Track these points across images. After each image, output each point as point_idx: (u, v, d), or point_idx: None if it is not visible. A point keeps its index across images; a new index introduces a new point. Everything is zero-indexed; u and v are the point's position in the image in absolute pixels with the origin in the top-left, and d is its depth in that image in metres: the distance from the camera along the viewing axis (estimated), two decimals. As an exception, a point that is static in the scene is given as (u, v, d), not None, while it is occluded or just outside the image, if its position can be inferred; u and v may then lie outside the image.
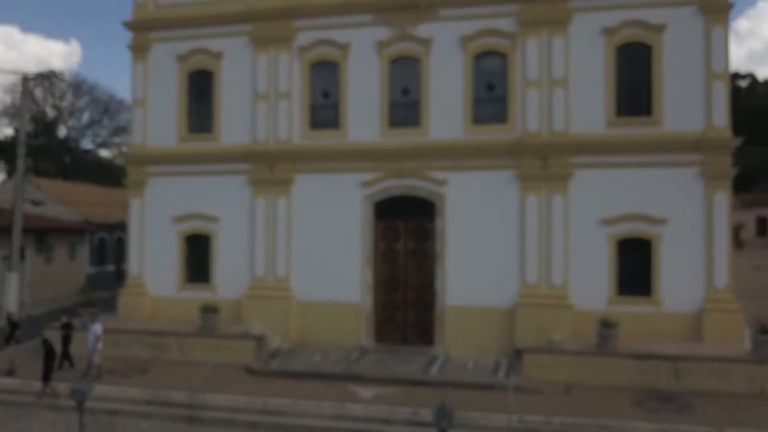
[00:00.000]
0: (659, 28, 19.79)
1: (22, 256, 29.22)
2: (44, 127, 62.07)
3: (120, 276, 39.03)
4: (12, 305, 27.34)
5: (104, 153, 67.90)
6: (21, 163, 28.63)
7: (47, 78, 52.60)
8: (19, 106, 30.40)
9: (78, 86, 61.81)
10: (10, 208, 32.07)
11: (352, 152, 21.65)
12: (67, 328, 19.77)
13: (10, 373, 18.73)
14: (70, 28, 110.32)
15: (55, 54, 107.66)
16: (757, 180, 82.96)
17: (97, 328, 18.63)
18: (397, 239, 21.59)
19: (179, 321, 22.18)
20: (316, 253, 21.89)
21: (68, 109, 61.35)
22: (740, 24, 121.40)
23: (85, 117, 62.64)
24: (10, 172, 60.08)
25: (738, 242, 64.94)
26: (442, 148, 21.03)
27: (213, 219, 22.82)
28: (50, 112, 61.93)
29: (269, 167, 22.25)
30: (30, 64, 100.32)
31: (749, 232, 66.78)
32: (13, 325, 19.39)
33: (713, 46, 19.44)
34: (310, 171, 22.07)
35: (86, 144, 65.26)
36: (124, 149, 67.35)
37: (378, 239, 21.66)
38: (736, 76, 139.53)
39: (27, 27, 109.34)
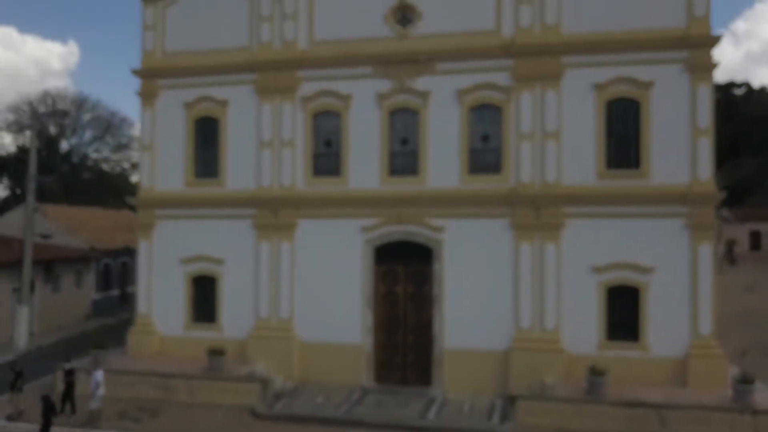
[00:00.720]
0: (647, 85, 20.76)
1: (32, 289, 30.11)
2: (47, 142, 62.91)
3: (124, 300, 39.97)
4: (22, 339, 28.29)
5: (106, 167, 68.72)
6: (30, 198, 29.55)
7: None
8: (29, 144, 31.11)
9: (80, 103, 62.67)
10: (18, 237, 32.97)
11: (353, 199, 22.59)
12: (70, 374, 20.65)
13: (15, 418, 19.62)
14: (68, 29, 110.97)
15: (53, 55, 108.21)
16: (751, 191, 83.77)
17: (99, 375, 19.47)
18: (397, 283, 22.54)
19: (187, 359, 23.09)
20: (319, 295, 22.83)
21: (71, 126, 62.20)
22: (738, 26, 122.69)
23: (88, 134, 63.51)
24: (14, 189, 60.99)
25: (731, 258, 66.03)
26: (439, 196, 21.98)
27: (219, 261, 23.74)
28: (53, 128, 62.76)
29: (273, 212, 23.17)
30: (28, 64, 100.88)
31: (743, 246, 67.88)
32: (17, 374, 20.23)
33: (698, 103, 20.42)
34: (312, 216, 23.00)
35: (89, 160, 66.11)
36: (125, 164, 68.30)
37: (378, 282, 22.60)
38: (731, 85, 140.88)
39: (25, 28, 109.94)
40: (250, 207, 23.41)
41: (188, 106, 24.22)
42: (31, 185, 29.73)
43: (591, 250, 20.93)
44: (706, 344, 20.08)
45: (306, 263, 23.03)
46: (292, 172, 23.21)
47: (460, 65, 22.01)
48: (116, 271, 39.65)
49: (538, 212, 21.23)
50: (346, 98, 22.86)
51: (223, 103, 23.88)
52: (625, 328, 20.71)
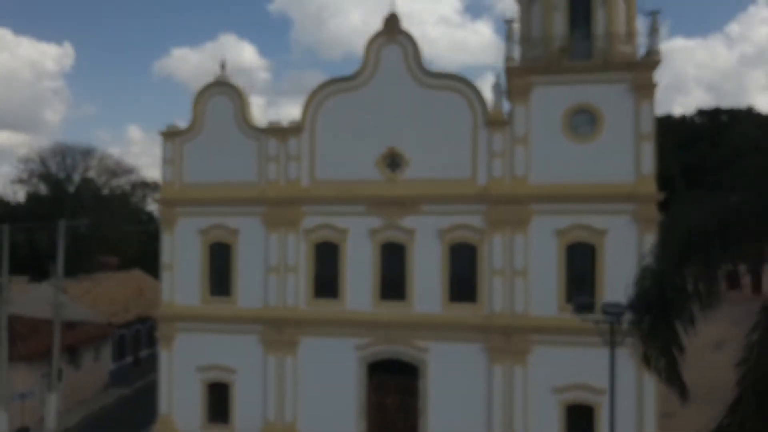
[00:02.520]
0: (601, 232, 24.43)
1: (60, 377, 33.58)
2: (54, 185, 66.25)
3: (137, 364, 43.46)
4: (51, 422, 31.84)
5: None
6: (58, 297, 32.97)
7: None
8: (58, 242, 34.39)
9: (88, 152, 66.02)
10: (42, 318, 36.24)
11: (348, 320, 26.21)
12: None
13: None
14: (64, 31, 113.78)
15: (47, 56, 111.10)
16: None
17: None
18: (387, 395, 26.19)
19: (203, 457, 26.68)
20: (318, 403, 26.44)
21: (79, 174, 65.55)
22: (732, 29, 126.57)
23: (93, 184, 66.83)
24: (21, 242, 64.11)
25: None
26: (423, 321, 25.62)
27: (231, 371, 27.33)
28: (60, 174, 66.07)
29: (278, 330, 26.78)
30: (23, 66, 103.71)
31: (719, 286, 71.57)
32: None
33: (645, 250, 24.01)
34: (313, 334, 26.62)
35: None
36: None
37: (370, 394, 26.25)
38: (717, 111, 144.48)
39: (20, 29, 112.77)
40: (258, 324, 26.99)
41: (203, 232, 27.76)
42: (59, 280, 33.17)
43: (553, 372, 24.59)
44: (649, 458, 23.79)
45: (307, 375, 26.65)
46: (296, 294, 26.80)
47: (441, 208, 25.64)
48: (129, 339, 43.13)
49: (508, 339, 24.89)
50: (343, 232, 26.46)
51: (235, 232, 27.44)
52: (582, 441, 24.39)
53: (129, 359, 43.01)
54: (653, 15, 24.58)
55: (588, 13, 25.04)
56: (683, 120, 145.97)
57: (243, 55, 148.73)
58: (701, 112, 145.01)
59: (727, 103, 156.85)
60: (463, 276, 25.66)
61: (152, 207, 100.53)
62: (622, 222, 24.33)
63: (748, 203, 10.06)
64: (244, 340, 27.22)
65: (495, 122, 25.17)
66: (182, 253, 28.04)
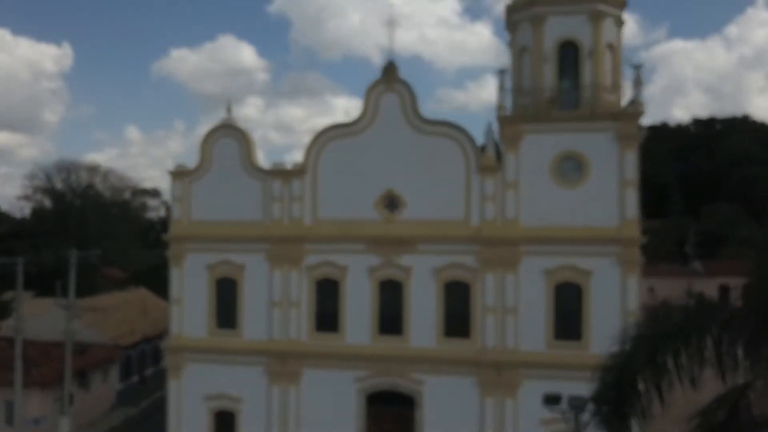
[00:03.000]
0: (587, 273, 25.98)
1: (71, 401, 35.07)
2: (58, 200, 67.83)
3: (143, 383, 44.95)
4: (64, 446, 33.28)
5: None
6: (71, 325, 34.43)
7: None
8: (68, 281, 35.68)
9: (93, 169, 67.62)
10: (53, 341, 37.66)
11: (348, 354, 27.73)
12: None
13: None
14: (62, 32, 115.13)
15: (46, 57, 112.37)
16: (724, 241, 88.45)
17: None
18: (384, 424, 27.72)
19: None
20: (320, 431, 27.93)
21: (85, 192, 67.13)
22: (730, 31, 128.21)
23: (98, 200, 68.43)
24: (27, 257, 65.52)
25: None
26: (419, 355, 27.16)
27: (237, 400, 28.85)
28: (67, 193, 67.68)
29: (282, 362, 28.31)
30: (21, 67, 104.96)
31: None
32: None
33: (628, 292, 25.64)
34: (315, 366, 28.15)
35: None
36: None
37: (370, 423, 27.80)
38: (713, 120, 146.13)
39: (18, 30, 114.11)
40: (263, 356, 28.50)
41: (210, 267, 29.27)
42: (72, 308, 34.61)
43: (541, 405, 26.06)
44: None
45: (310, 405, 28.17)
46: (298, 328, 28.34)
47: (437, 248, 27.18)
48: (135, 359, 44.61)
49: (499, 373, 26.42)
50: (343, 269, 27.99)
51: (241, 267, 28.96)
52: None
53: (135, 379, 44.50)
54: (636, 68, 26.13)
55: (576, 65, 26.59)
56: (679, 128, 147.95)
57: (242, 55, 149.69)
58: (697, 121, 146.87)
59: (725, 105, 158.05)
60: (457, 312, 27.19)
61: (152, 214, 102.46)
62: (606, 263, 25.87)
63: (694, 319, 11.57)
64: (249, 370, 28.72)
65: (487, 168, 26.72)
66: (190, 287, 29.53)
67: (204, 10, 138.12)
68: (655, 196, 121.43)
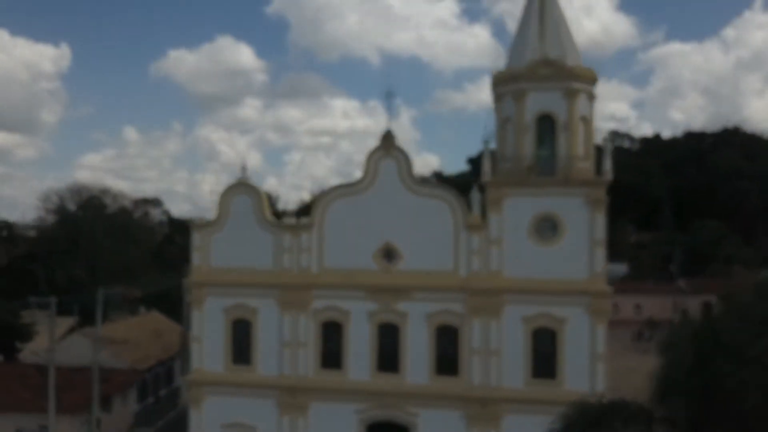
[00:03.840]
0: (561, 320, 29.82)
1: (99, 426, 38.86)
2: (71, 224, 71.58)
3: (158, 403, 48.71)
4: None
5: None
6: (96, 356, 38.18)
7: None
8: (96, 326, 39.37)
9: (104, 191, 71.40)
10: (78, 366, 41.32)
11: (350, 389, 31.54)
12: None
13: None
14: (61, 32, 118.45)
15: (44, 58, 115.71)
16: (710, 258, 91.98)
17: None
18: (383, 451, 31.53)
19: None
20: (325, 457, 31.79)
21: (97, 214, 70.93)
22: (727, 33, 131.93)
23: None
24: (41, 276, 69.20)
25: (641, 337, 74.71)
26: (413, 390, 31.01)
27: (251, 428, 32.65)
28: (79, 216, 71.46)
29: (291, 395, 32.12)
30: (19, 67, 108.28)
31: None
32: None
33: (597, 337, 29.45)
34: (321, 400, 31.96)
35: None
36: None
37: (369, 450, 31.58)
38: (703, 135, 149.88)
39: (16, 30, 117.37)
40: (274, 389, 32.29)
41: (227, 310, 33.05)
42: (99, 348, 38.37)
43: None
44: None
45: (316, 433, 31.98)
46: (306, 365, 32.15)
47: (429, 295, 31.00)
48: (150, 381, 48.34)
49: (484, 407, 30.25)
50: (346, 313, 31.80)
51: (254, 310, 32.75)
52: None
53: (150, 400, 48.25)
54: (605, 141, 29.96)
55: (552, 136, 30.41)
56: (672, 141, 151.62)
57: (240, 56, 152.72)
58: (689, 135, 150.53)
59: (723, 107, 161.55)
60: (447, 353, 31.01)
61: (153, 223, 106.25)
62: (578, 312, 29.70)
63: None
64: (262, 402, 32.50)
65: (473, 226, 30.54)
66: (209, 327, 33.30)
67: (202, 11, 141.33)
68: (647, 210, 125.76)
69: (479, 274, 30.57)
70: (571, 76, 30.33)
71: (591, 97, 31.27)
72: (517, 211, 30.26)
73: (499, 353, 30.33)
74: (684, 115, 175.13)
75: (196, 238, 33.66)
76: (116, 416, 42.96)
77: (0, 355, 48.54)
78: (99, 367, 41.81)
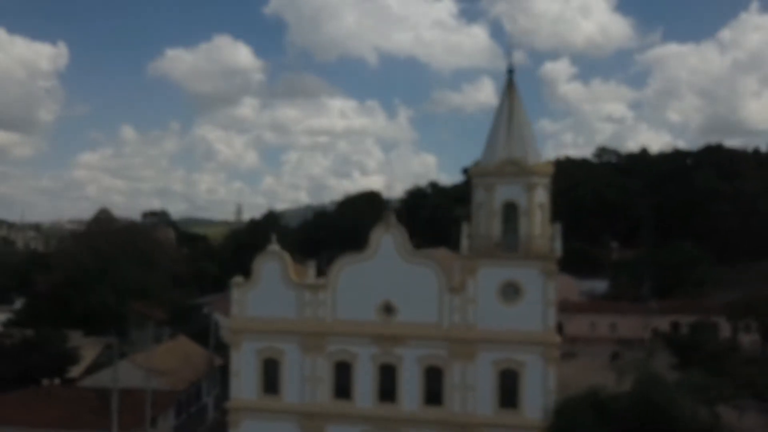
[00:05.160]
0: (522, 363, 39.16)
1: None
2: (99, 254, 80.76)
3: (189, 419, 58.04)
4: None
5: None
6: (150, 384, 47.41)
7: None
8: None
9: (132, 226, 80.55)
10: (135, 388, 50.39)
11: (358, 415, 40.86)
12: None
13: None
14: (58, 31, 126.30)
15: (42, 56, 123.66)
16: (683, 279, 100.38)
17: None
18: (383, 464, 40.86)
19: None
20: (338, 469, 41.09)
21: (124, 245, 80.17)
22: (724, 35, 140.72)
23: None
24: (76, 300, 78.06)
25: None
26: (408, 417, 40.35)
27: (279, 445, 41.93)
28: (106, 245, 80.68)
29: (310, 420, 41.45)
30: (16, 66, 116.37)
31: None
32: None
33: (549, 376, 38.73)
34: (334, 423, 41.29)
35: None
36: None
37: (372, 463, 40.92)
38: (686, 154, 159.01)
39: (14, 29, 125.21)
40: (297, 415, 41.58)
41: (259, 351, 42.33)
42: (150, 380, 47.59)
43: (490, 453, 39.27)
44: None
45: (330, 451, 41.29)
46: (322, 395, 41.44)
47: (420, 343, 40.33)
48: (183, 400, 57.62)
49: (462, 430, 39.56)
50: (354, 355, 41.12)
51: (281, 352, 42.03)
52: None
53: (184, 416, 57.59)
54: (555, 226, 39.27)
55: (515, 220, 39.68)
56: (659, 158, 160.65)
57: (238, 56, 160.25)
58: (672, 154, 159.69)
59: (719, 108, 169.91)
60: (433, 388, 40.36)
61: (159, 233, 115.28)
62: (534, 357, 39.02)
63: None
64: (287, 425, 41.76)
65: (454, 289, 39.83)
66: (245, 365, 42.57)
67: (200, 11, 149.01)
68: (630, 227, 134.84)
69: (458, 327, 39.88)
70: (531, 172, 39.63)
71: (546, 189, 40.57)
72: (487, 277, 39.57)
73: (474, 388, 39.65)
74: (681, 116, 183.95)
75: (235, 294, 42.92)
76: (162, 430, 52.30)
77: (57, 378, 57.55)
78: (144, 390, 51.18)
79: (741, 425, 48.14)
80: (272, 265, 42.52)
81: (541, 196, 40.33)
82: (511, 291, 39.46)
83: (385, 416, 40.60)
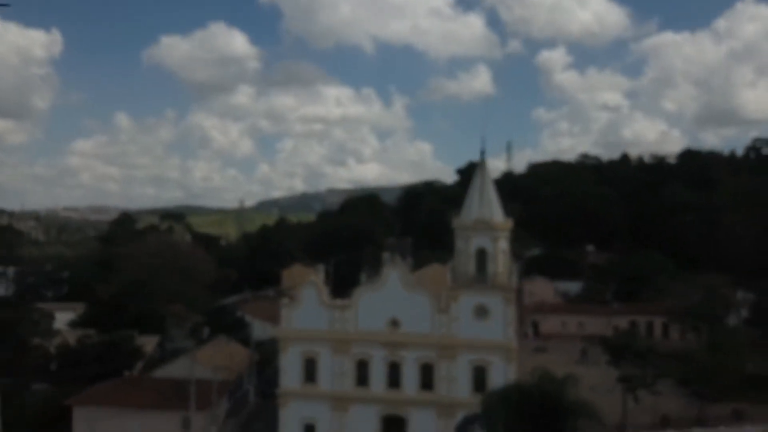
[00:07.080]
0: (489, 362, 57.81)
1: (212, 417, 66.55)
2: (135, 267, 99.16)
3: (235, 402, 76.59)
4: (214, 442, 65.27)
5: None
6: (216, 377, 66.10)
7: None
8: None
9: (148, 230, 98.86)
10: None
11: (372, 397, 59.47)
12: None
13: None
14: (52, 18, 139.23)
15: (36, 43, 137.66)
16: (647, 285, 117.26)
17: None
18: (391, 433, 59.60)
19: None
20: (358, 436, 59.80)
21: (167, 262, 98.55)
22: (719, 24, 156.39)
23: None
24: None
25: (584, 351, 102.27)
26: (409, 398, 59.05)
27: (316, 420, 60.45)
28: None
29: (339, 402, 60.03)
30: (10, 53, 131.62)
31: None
32: None
33: (509, 371, 57.43)
34: (356, 403, 59.81)
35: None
36: None
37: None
38: (663, 164, 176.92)
39: (7, 15, 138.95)
40: (329, 398, 60.15)
41: (302, 352, 60.82)
42: (216, 382, 65.91)
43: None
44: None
45: (353, 422, 59.83)
46: (347, 384, 60.01)
47: (417, 347, 58.91)
48: (233, 388, 76.00)
49: (447, 409, 58.24)
50: (370, 356, 59.73)
51: (317, 353, 60.55)
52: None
53: (233, 401, 76.21)
54: (516, 262, 57.77)
55: (485, 261, 58.11)
56: (636, 168, 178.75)
57: (233, 44, 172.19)
58: (647, 164, 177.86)
59: (714, 98, 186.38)
60: (427, 379, 58.96)
61: (176, 237, 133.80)
62: (498, 358, 57.63)
63: None
64: (322, 405, 60.23)
65: (442, 310, 58.39)
66: (291, 362, 61.03)
67: None
68: (606, 232, 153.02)
69: (445, 336, 58.42)
70: (496, 228, 58.08)
71: (507, 239, 59.01)
72: (465, 302, 58.11)
73: (456, 379, 58.28)
74: (676, 105, 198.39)
75: (284, 311, 61.38)
76: (219, 411, 71.04)
77: (128, 372, 75.88)
78: (208, 380, 69.66)
79: (657, 406, 67.23)
80: (311, 291, 61.01)
81: (503, 244, 58.84)
82: (482, 312, 58.02)
83: (393, 399, 59.26)
